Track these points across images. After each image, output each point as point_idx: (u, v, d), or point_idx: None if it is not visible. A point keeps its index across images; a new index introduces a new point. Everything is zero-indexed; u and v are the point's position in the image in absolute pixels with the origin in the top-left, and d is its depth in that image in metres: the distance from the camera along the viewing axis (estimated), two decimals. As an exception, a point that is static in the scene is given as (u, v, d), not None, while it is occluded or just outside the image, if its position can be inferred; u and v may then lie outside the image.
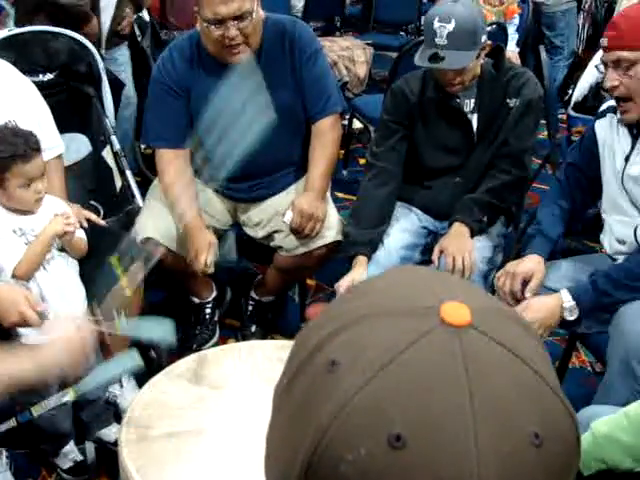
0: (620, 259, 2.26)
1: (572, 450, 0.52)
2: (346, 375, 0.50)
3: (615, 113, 2.20)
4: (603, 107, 2.29)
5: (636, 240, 2.19)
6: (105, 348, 2.33)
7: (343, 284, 2.38)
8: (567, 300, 2.10)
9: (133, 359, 1.73)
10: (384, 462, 0.47)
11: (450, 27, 2.29)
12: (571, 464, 0.52)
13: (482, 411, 0.48)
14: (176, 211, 2.57)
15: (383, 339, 0.51)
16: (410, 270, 0.65)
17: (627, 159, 2.17)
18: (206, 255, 2.46)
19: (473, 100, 2.50)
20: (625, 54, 2.01)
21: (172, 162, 2.62)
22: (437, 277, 0.60)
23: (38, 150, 2.07)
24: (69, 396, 1.84)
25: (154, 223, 2.60)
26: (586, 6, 5.04)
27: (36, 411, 1.84)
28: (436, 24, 2.30)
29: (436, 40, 2.30)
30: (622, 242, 2.25)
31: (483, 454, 0.47)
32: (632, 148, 2.16)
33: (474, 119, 2.52)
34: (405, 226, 2.62)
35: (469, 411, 0.48)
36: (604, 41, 2.06)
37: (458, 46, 2.29)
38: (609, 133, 2.24)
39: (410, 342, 0.50)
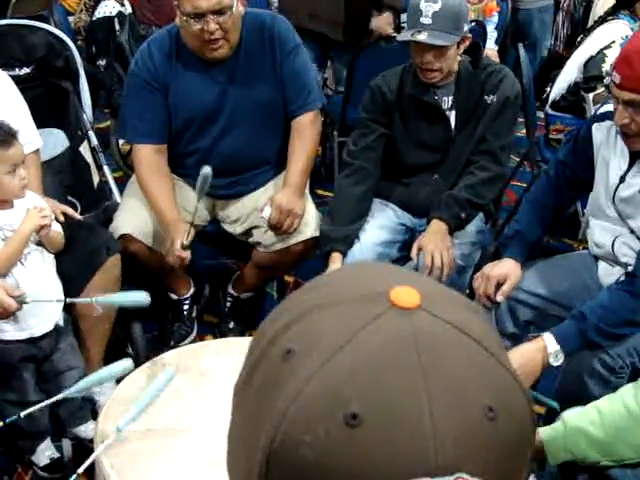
0: (601, 264, 2.26)
1: (526, 426, 0.53)
2: (301, 361, 0.51)
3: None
4: (602, 110, 2.19)
5: (612, 251, 2.18)
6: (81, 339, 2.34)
7: None
8: (551, 345, 1.93)
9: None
10: (342, 441, 0.48)
11: (436, 7, 2.34)
12: (525, 440, 0.53)
13: (435, 386, 0.49)
14: (153, 207, 2.55)
15: (335, 325, 0.52)
16: (360, 263, 0.68)
17: (622, 179, 2.10)
18: (182, 238, 2.43)
19: (451, 97, 2.51)
20: None
21: (149, 157, 2.60)
22: (387, 267, 0.62)
23: (14, 135, 2.06)
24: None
25: (131, 219, 2.58)
26: (564, 5, 5.05)
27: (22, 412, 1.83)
28: (422, 4, 2.35)
29: (421, 19, 2.35)
30: (599, 246, 2.25)
31: (439, 428, 0.48)
32: (629, 169, 2.09)
33: (452, 116, 2.53)
34: (382, 223, 2.61)
35: (422, 387, 0.49)
36: (616, 78, 1.92)
37: (442, 27, 2.34)
38: (605, 142, 2.15)
39: (362, 325, 0.51)
